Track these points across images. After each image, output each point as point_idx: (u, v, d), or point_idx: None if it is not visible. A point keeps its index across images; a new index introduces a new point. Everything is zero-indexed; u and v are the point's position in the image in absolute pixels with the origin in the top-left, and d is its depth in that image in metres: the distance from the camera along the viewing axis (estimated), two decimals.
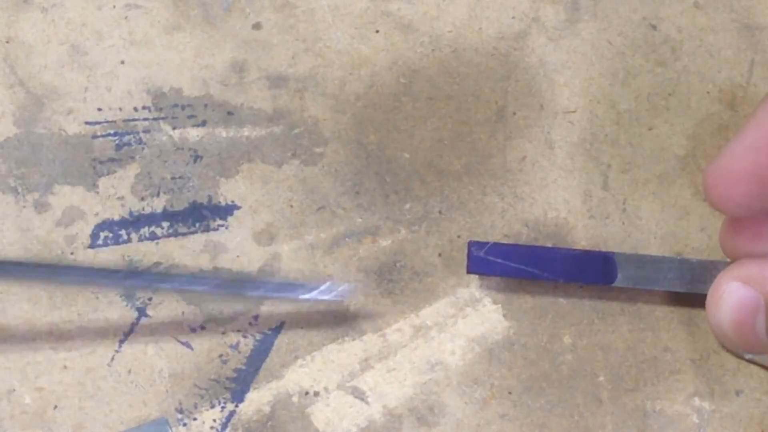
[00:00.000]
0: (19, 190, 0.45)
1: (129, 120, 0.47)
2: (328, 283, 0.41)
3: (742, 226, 0.41)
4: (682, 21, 0.49)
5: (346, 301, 0.43)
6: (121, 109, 0.47)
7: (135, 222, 0.45)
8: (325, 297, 0.42)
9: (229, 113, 0.47)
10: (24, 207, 0.45)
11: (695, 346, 0.43)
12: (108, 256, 0.44)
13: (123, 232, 0.44)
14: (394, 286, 0.44)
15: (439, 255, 0.44)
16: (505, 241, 0.45)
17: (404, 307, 0.44)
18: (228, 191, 0.45)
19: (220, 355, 0.42)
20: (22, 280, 0.41)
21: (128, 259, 0.44)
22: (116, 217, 0.45)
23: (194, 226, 0.45)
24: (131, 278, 0.42)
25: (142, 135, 0.46)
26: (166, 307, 0.43)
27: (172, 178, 0.46)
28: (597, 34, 0.49)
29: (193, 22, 0.49)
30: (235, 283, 0.42)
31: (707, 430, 0.42)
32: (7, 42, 0.48)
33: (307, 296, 0.41)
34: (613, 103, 0.48)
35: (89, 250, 0.44)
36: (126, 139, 0.46)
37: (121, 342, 0.43)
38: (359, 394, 0.42)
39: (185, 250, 0.44)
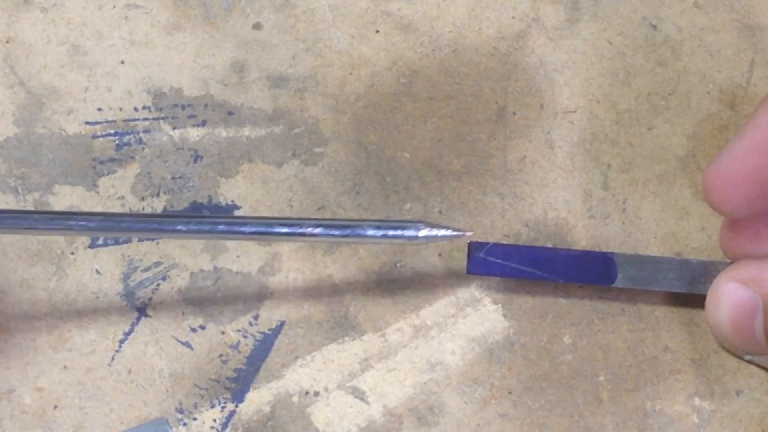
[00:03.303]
0: (19, 190, 0.45)
1: (129, 120, 0.47)
2: (428, 225, 0.41)
3: (741, 227, 0.41)
4: (682, 21, 0.49)
5: (346, 301, 0.44)
6: (121, 109, 0.47)
7: None
8: (446, 234, 0.41)
9: (230, 113, 0.47)
10: (24, 207, 0.45)
11: (695, 346, 0.43)
12: (108, 255, 0.44)
13: None
14: (394, 286, 0.44)
15: (439, 255, 0.44)
16: (505, 241, 0.45)
17: (404, 307, 0.44)
18: (228, 191, 0.45)
19: (220, 355, 0.43)
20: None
21: (128, 259, 0.44)
22: None
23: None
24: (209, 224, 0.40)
25: (142, 135, 0.46)
26: (167, 307, 0.43)
27: (173, 178, 0.46)
28: (597, 34, 0.49)
29: (193, 22, 0.49)
30: (343, 226, 0.41)
31: (707, 430, 0.42)
32: (7, 42, 0.48)
33: (426, 234, 0.41)
34: (613, 103, 0.48)
35: (89, 249, 0.44)
36: (126, 139, 0.46)
37: (122, 342, 0.43)
38: (359, 394, 0.42)
39: (185, 250, 0.44)
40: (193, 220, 0.40)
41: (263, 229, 0.40)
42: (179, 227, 0.39)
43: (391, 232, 0.40)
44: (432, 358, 0.43)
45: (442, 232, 0.41)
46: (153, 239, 0.44)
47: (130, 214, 0.40)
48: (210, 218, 0.40)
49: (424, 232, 0.41)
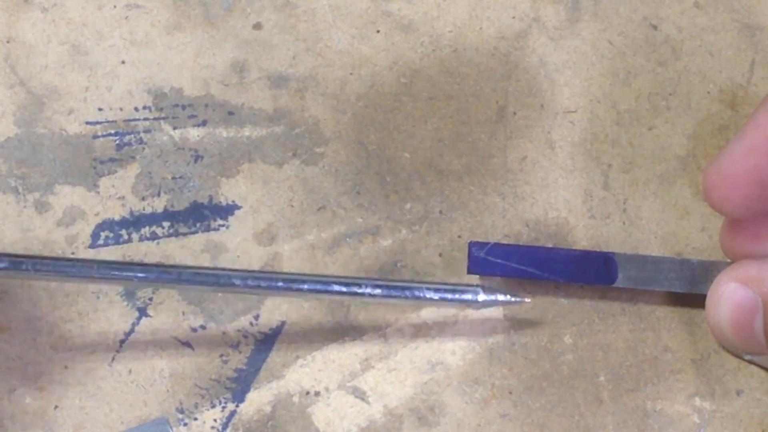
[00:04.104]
0: (20, 190, 0.45)
1: (130, 120, 0.47)
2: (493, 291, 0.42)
3: (741, 227, 0.41)
4: (682, 21, 0.49)
5: (347, 301, 0.44)
6: (121, 109, 0.47)
7: (136, 222, 0.45)
8: (504, 299, 0.42)
9: (230, 113, 0.47)
10: (25, 207, 0.45)
11: (696, 346, 0.43)
12: (109, 256, 0.44)
13: (124, 232, 0.44)
14: None
15: (440, 255, 0.44)
16: (505, 241, 0.45)
17: (404, 307, 0.44)
18: (229, 191, 0.45)
19: (221, 355, 0.43)
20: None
21: (129, 259, 0.44)
22: (117, 217, 0.45)
23: (195, 226, 0.45)
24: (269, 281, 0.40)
25: (142, 135, 0.46)
26: (167, 307, 0.43)
27: (173, 178, 0.46)
28: (597, 34, 0.49)
29: (193, 22, 0.49)
30: (402, 288, 0.41)
31: (708, 430, 0.42)
32: (7, 42, 0.48)
33: (485, 299, 0.41)
34: (613, 103, 0.48)
35: (90, 250, 0.44)
36: (126, 139, 0.46)
37: (122, 342, 0.43)
38: (360, 394, 0.42)
39: (186, 250, 0.44)
40: (251, 275, 0.40)
41: (320, 287, 0.40)
42: (236, 282, 0.40)
43: (449, 296, 0.41)
44: (432, 358, 0.43)
45: (500, 297, 0.42)
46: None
47: (189, 267, 0.40)
48: (268, 274, 0.41)
49: (482, 297, 0.41)
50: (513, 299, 0.42)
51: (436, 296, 0.41)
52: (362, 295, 0.41)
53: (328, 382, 0.42)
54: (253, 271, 0.41)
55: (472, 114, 0.47)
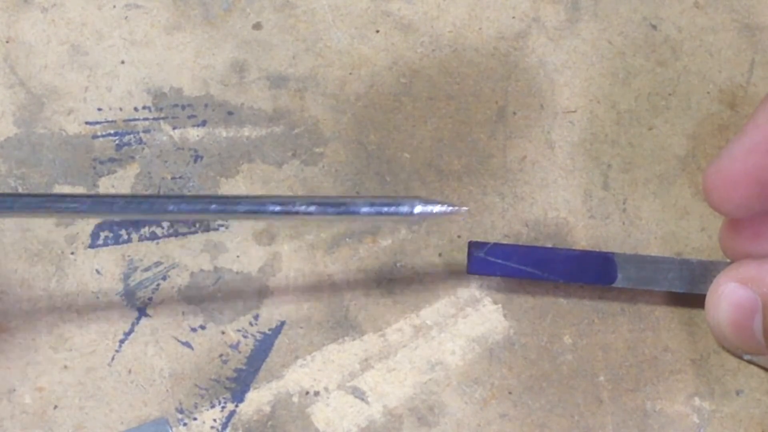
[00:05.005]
0: (20, 190, 0.45)
1: (129, 120, 0.47)
2: (423, 201, 0.39)
3: (741, 226, 0.41)
4: (682, 21, 0.49)
5: (346, 301, 0.44)
6: (121, 109, 0.47)
7: (135, 222, 0.45)
8: (441, 210, 0.40)
9: (230, 113, 0.47)
10: None
11: (695, 346, 0.43)
12: (108, 255, 0.44)
13: (123, 231, 0.44)
14: (394, 286, 0.44)
15: (440, 255, 0.44)
16: (505, 241, 0.45)
17: (404, 307, 0.44)
18: (228, 191, 0.45)
19: (221, 355, 0.43)
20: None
21: (128, 259, 0.44)
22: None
23: (194, 225, 0.45)
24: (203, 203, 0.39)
25: (142, 135, 0.46)
26: (167, 307, 0.43)
27: (173, 178, 0.46)
28: (597, 34, 0.49)
29: (193, 22, 0.49)
30: (337, 204, 0.39)
31: (707, 430, 0.42)
32: (7, 42, 0.48)
33: (421, 210, 0.39)
34: (613, 103, 0.48)
35: (89, 249, 0.44)
36: (126, 139, 0.46)
37: (122, 342, 0.43)
38: (359, 394, 0.42)
39: (185, 250, 0.44)
40: (185, 200, 0.39)
41: (256, 207, 0.39)
42: (170, 207, 0.39)
43: (385, 209, 0.39)
44: (432, 358, 0.43)
45: (437, 208, 0.40)
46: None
47: (122, 196, 0.40)
48: (202, 198, 0.39)
49: (419, 209, 0.39)
50: (450, 209, 0.40)
51: (372, 210, 0.39)
52: (297, 213, 0.39)
53: (328, 382, 0.42)
54: (186, 196, 0.40)
55: (472, 114, 0.47)
